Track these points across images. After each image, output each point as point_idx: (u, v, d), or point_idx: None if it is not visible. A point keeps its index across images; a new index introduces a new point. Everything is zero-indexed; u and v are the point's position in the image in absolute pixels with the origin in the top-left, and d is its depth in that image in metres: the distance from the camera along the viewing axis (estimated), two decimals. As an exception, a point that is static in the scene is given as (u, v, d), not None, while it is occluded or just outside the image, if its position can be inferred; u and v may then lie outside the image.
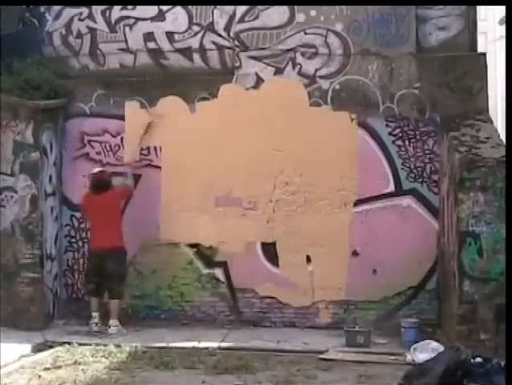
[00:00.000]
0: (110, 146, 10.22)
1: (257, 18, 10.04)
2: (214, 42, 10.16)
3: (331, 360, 8.23)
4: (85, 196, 9.73)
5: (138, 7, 10.28)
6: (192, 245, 10.04)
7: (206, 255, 10.05)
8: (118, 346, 8.62)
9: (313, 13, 9.92)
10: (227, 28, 10.11)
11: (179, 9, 10.21)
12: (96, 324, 9.39)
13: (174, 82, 10.09)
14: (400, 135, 9.77)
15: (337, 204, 9.79)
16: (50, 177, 9.99)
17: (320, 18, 9.92)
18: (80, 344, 8.73)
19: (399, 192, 9.75)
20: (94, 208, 9.55)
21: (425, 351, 7.92)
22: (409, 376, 6.79)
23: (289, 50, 9.97)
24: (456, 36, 9.85)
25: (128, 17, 10.33)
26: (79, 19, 10.42)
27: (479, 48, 10.14)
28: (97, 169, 9.86)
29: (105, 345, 8.67)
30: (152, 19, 10.27)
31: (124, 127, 10.16)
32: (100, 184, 9.58)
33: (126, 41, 10.34)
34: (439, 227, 9.52)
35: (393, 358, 8.26)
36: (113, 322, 9.35)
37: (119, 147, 10.19)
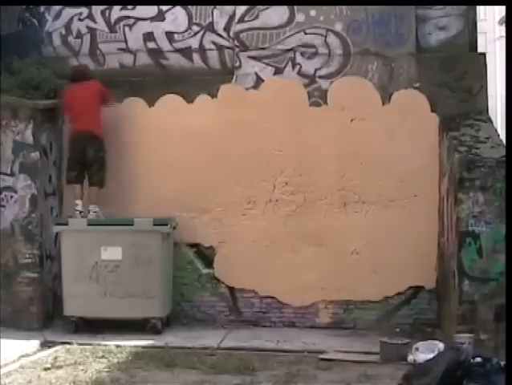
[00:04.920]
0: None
1: (256, 18, 10.04)
2: (214, 42, 10.16)
3: (331, 360, 8.22)
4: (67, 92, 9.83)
5: (138, 7, 10.27)
6: (192, 245, 10.05)
7: (206, 255, 10.06)
8: (118, 346, 8.63)
9: (313, 13, 9.92)
10: (227, 28, 10.11)
11: (179, 9, 10.20)
12: (80, 212, 9.61)
13: (174, 82, 10.07)
14: (400, 135, 9.77)
15: (337, 204, 9.79)
16: (50, 177, 9.98)
17: (320, 18, 9.91)
18: (80, 344, 8.73)
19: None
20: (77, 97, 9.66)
21: (427, 351, 7.89)
22: (409, 376, 6.78)
23: (289, 50, 9.96)
24: (456, 36, 9.85)
25: (128, 17, 10.33)
26: (79, 19, 10.42)
27: (479, 48, 10.14)
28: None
29: (105, 345, 8.67)
30: (152, 19, 10.27)
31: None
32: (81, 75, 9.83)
33: (126, 41, 10.34)
34: (439, 227, 9.52)
35: (393, 358, 8.26)
36: (92, 207, 9.59)
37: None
